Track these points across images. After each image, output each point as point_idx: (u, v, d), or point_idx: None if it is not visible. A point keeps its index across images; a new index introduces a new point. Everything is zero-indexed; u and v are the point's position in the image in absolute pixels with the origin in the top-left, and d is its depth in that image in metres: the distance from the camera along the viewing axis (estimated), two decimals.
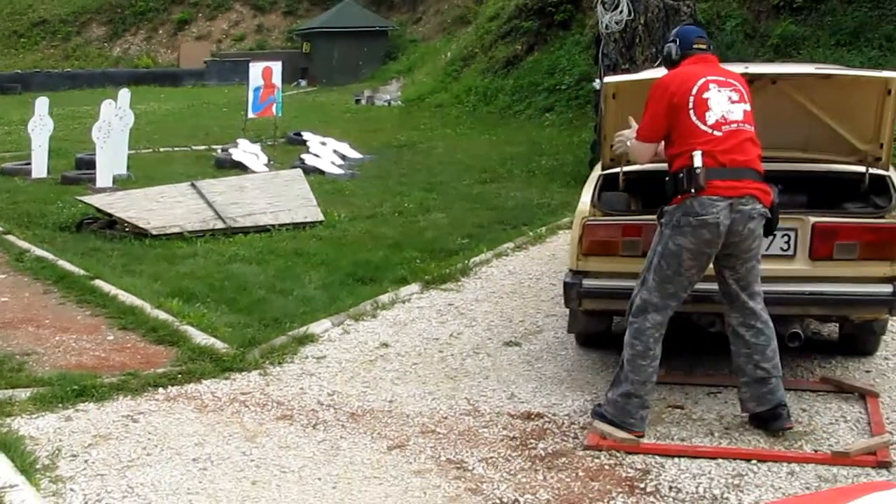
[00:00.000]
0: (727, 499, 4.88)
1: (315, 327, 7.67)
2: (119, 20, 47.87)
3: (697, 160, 5.50)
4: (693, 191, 5.48)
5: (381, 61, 41.88)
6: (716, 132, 5.55)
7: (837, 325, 7.00)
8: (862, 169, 6.53)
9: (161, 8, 47.99)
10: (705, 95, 5.61)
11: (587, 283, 6.38)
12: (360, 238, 11.11)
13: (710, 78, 5.67)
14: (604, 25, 14.76)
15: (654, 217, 5.98)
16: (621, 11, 14.62)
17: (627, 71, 14.62)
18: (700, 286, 5.81)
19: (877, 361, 6.83)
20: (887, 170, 6.54)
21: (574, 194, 13.88)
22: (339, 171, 16.58)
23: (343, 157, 17.91)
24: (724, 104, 5.60)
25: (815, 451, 5.41)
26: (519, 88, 25.80)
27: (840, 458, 5.20)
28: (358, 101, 31.63)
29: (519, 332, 7.73)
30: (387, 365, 7.02)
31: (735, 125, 5.56)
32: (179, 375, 6.62)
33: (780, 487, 4.99)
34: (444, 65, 32.13)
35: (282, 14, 47.63)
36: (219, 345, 7.12)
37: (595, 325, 7.06)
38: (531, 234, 11.33)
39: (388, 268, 9.57)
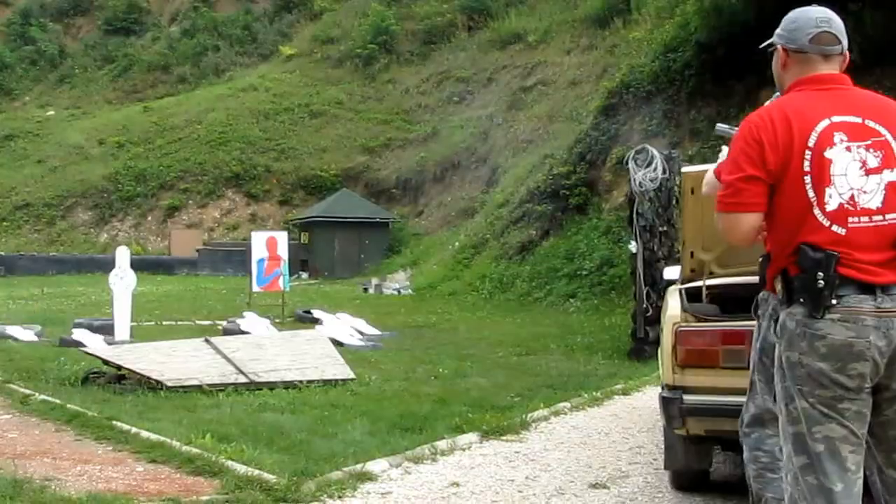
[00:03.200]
0: None
1: (372, 465, 7.13)
2: (106, 205, 48.52)
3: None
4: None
5: (383, 254, 42.16)
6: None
7: None
8: None
9: (149, 194, 48.65)
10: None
11: (689, 398, 5.89)
12: (399, 394, 10.62)
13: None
14: (637, 183, 14.59)
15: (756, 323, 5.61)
16: (655, 169, 14.50)
17: (665, 234, 14.50)
18: None
19: None
20: None
21: (619, 366, 13.78)
22: (360, 342, 16.18)
23: (360, 332, 17.53)
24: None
25: None
26: (537, 275, 25.75)
27: None
28: (366, 290, 31.52)
29: (603, 476, 7.20)
30: (463, 502, 6.48)
31: (879, 217, 4.96)
32: (227, 503, 6.08)
33: None
34: (453, 253, 32.23)
35: (276, 203, 48.28)
36: (267, 475, 6.58)
37: (696, 461, 6.54)
38: (586, 396, 10.88)
39: (438, 419, 9.09)
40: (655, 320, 13.55)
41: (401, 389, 10.99)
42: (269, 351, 11.89)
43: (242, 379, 10.82)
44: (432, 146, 46.69)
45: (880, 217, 3.50)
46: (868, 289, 3.46)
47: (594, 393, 11.04)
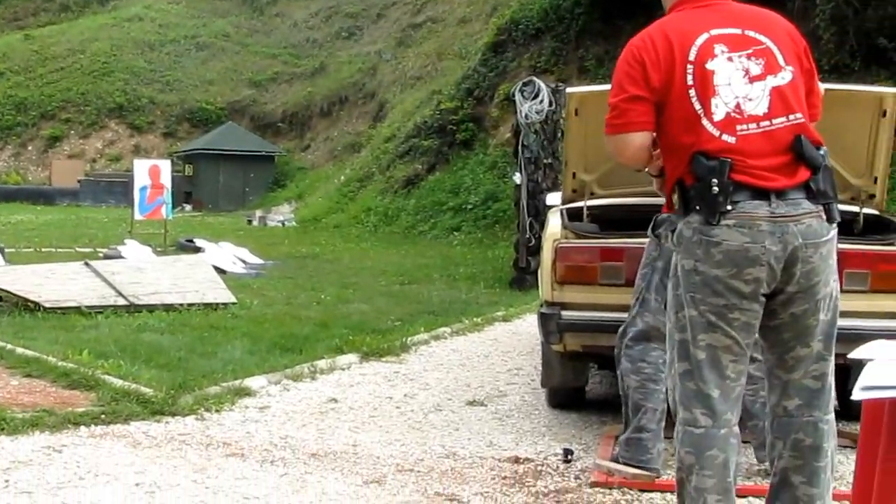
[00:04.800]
0: None
1: (251, 382, 7.09)
2: None
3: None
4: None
5: (268, 188, 41.75)
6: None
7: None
8: (854, 208, 6.08)
9: (30, 123, 47.30)
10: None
11: (567, 314, 5.91)
12: (280, 318, 10.55)
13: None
14: (523, 115, 14.50)
15: (637, 241, 5.68)
16: (541, 101, 14.46)
17: (549, 166, 14.51)
18: None
19: None
20: (882, 209, 6.25)
21: (500, 295, 13.86)
22: (242, 270, 16.01)
23: (243, 261, 17.33)
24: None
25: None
26: (422, 209, 25.76)
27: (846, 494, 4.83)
28: (250, 222, 31.19)
29: (481, 394, 7.26)
30: (341, 416, 6.48)
31: (766, 121, 4.87)
32: (103, 415, 5.98)
33: None
34: (339, 186, 32.05)
35: (160, 135, 47.37)
36: (144, 389, 6.50)
37: (572, 378, 6.63)
38: (467, 321, 10.93)
39: (318, 340, 9.06)
40: (537, 251, 13.61)
41: (282, 313, 10.91)
42: (149, 275, 11.68)
43: (122, 301, 10.62)
44: (320, 81, 46.16)
45: (767, 122, 3.52)
46: (762, 194, 3.48)
47: (475, 319, 11.10)
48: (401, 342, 9.20)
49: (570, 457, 5.53)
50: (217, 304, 11.05)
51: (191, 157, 43.05)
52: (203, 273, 12.08)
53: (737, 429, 3.70)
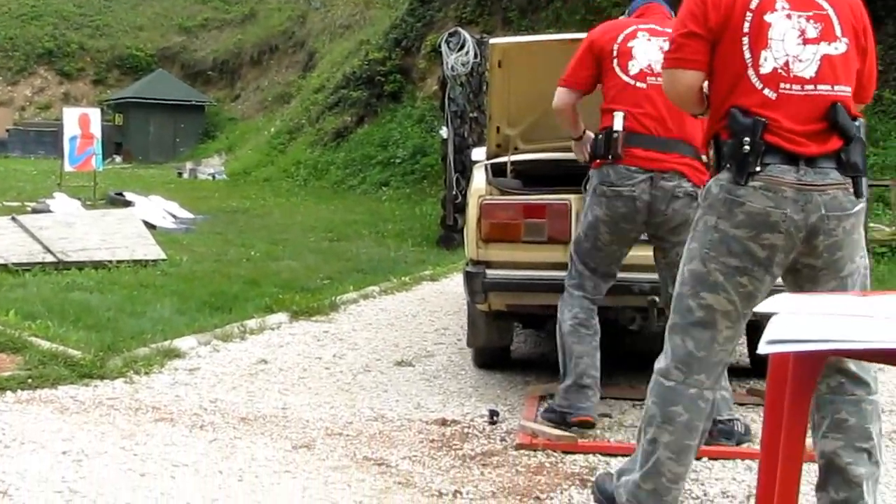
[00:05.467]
0: (690, 490, 4.52)
1: (180, 343, 7.03)
2: None
3: (618, 121, 5.06)
4: (610, 157, 5.08)
5: (198, 139, 41.27)
6: (638, 85, 5.10)
7: (748, 345, 6.76)
8: None
9: None
10: (630, 44, 5.18)
11: (491, 273, 5.89)
12: (210, 275, 10.46)
13: (640, 27, 5.25)
14: (449, 67, 14.38)
15: (560, 197, 5.72)
16: (467, 53, 14.32)
17: (475, 120, 14.42)
18: (618, 275, 5.49)
19: None
20: None
21: (428, 254, 13.87)
22: (172, 225, 15.84)
23: (173, 215, 17.14)
24: (652, 54, 5.10)
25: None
26: (351, 162, 25.67)
27: None
28: (180, 175, 30.87)
29: (409, 354, 7.27)
30: (270, 378, 6.46)
31: (655, 79, 4.99)
32: (30, 379, 5.89)
33: (744, 480, 4.67)
34: (269, 138, 31.77)
35: (90, 82, 46.54)
36: (72, 351, 6.41)
37: (497, 338, 6.66)
38: (395, 280, 10.94)
39: (248, 299, 9.01)
40: (464, 208, 13.63)
41: (212, 270, 10.82)
42: (78, 230, 11.50)
43: (50, 258, 10.46)
44: (249, 28, 45.59)
45: (812, 87, 3.47)
46: (792, 159, 3.43)
47: (403, 278, 11.12)
48: (330, 301, 9.18)
49: (495, 418, 5.57)
50: (147, 260, 10.93)
51: (121, 105, 42.37)
52: (132, 228, 11.93)
53: (708, 394, 3.67)
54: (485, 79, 14.50)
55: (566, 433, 5.15)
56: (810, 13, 3.51)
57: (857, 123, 3.48)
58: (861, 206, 3.51)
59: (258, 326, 7.94)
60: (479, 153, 7.80)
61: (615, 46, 5.16)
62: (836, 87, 3.49)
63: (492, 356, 6.82)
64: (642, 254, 5.48)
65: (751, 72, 3.50)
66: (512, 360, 6.97)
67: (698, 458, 4.94)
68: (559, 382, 5.47)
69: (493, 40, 6.21)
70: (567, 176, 6.40)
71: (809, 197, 3.43)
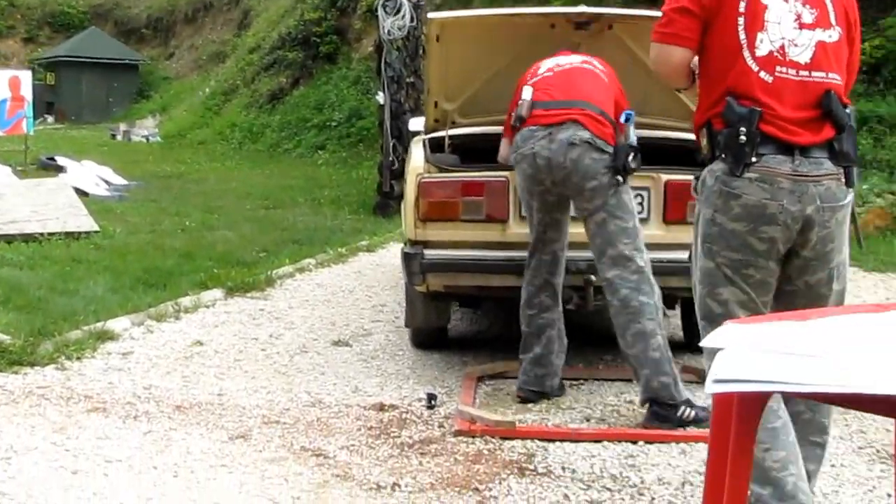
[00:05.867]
0: (628, 477, 4.51)
1: (113, 324, 6.89)
2: None
3: (527, 93, 5.30)
4: (518, 124, 5.26)
5: (132, 98, 40.57)
6: (546, 74, 5.40)
7: (682, 319, 6.79)
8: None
9: None
10: (541, 63, 5.52)
11: (430, 254, 5.83)
12: (144, 248, 10.29)
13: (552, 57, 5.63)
14: (385, 31, 14.17)
15: (498, 174, 5.72)
16: (403, 17, 14.15)
17: (412, 85, 14.25)
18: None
19: None
20: None
21: (364, 222, 13.74)
22: (106, 192, 15.55)
23: (106, 182, 16.83)
24: (559, 59, 5.50)
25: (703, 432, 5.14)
26: (287, 125, 25.40)
27: None
28: (114, 136, 30.37)
29: (346, 333, 7.20)
30: (206, 361, 6.35)
31: (569, 65, 5.43)
32: None
33: (678, 465, 4.67)
34: (203, 99, 31.31)
35: (21, 40, 45.47)
36: (2, 336, 6.26)
37: (435, 318, 6.62)
38: (331, 252, 10.82)
39: (183, 274, 8.88)
40: (401, 174, 13.52)
41: (146, 243, 10.65)
42: (8, 200, 11.26)
43: None
44: None
45: (806, 72, 3.41)
46: (787, 149, 3.38)
47: (339, 249, 11.00)
48: (266, 276, 9.06)
49: (433, 402, 5.53)
50: (79, 232, 10.72)
51: (53, 64, 41.48)
52: (64, 198, 11.71)
53: None
54: (421, 43, 14.36)
55: (504, 420, 5.11)
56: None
57: (848, 111, 3.44)
58: (851, 196, 3.48)
59: (193, 304, 7.81)
60: (416, 123, 7.72)
61: (528, 74, 5.50)
62: (830, 75, 3.44)
63: (429, 336, 6.76)
64: (577, 230, 5.46)
65: (746, 53, 3.44)
66: (449, 339, 6.92)
67: (634, 442, 4.96)
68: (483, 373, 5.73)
69: (431, 14, 6.13)
70: None
71: (805, 188, 3.38)
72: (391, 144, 14.01)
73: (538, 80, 5.38)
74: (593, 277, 5.55)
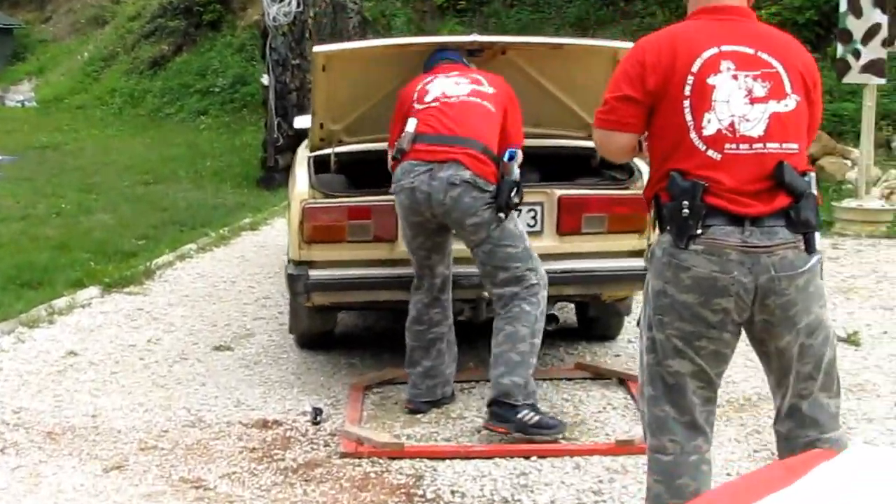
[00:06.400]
0: (519, 500, 4.40)
1: None
2: None
3: (410, 125, 5.19)
4: (399, 156, 5.19)
5: (6, 61, 39.00)
6: (432, 104, 5.24)
7: (576, 308, 6.77)
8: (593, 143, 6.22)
9: None
10: (426, 87, 5.36)
11: (315, 274, 5.68)
12: (15, 239, 9.86)
13: (438, 75, 5.46)
14: (271, 18, 14.10)
15: (386, 197, 5.56)
16: (289, 3, 14.02)
17: (298, 66, 14.13)
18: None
19: (622, 344, 6.65)
20: None
21: (248, 196, 13.43)
22: None
23: None
24: (447, 87, 5.32)
25: (595, 441, 5.05)
26: (169, 90, 24.76)
27: (625, 447, 4.87)
28: None
29: (228, 336, 6.95)
30: (80, 375, 6.06)
31: (455, 98, 5.23)
32: None
33: (572, 483, 4.57)
34: (82, 64, 30.32)
35: None
36: None
37: (321, 325, 6.44)
38: (213, 235, 10.52)
39: (58, 270, 8.52)
40: (286, 148, 13.29)
41: (18, 232, 10.22)
42: None
43: None
44: None
45: (761, 145, 3.28)
46: (736, 220, 3.25)
47: (221, 231, 10.70)
48: (145, 267, 8.75)
49: (318, 417, 5.35)
50: None
51: None
52: None
53: (709, 455, 3.50)
54: (307, 26, 14.14)
55: (391, 441, 4.96)
56: (758, 72, 3.34)
57: (806, 179, 3.32)
58: (814, 260, 3.33)
59: (67, 305, 7.49)
60: (302, 121, 7.52)
61: (415, 93, 5.37)
62: (785, 145, 3.31)
63: (315, 339, 6.57)
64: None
65: (693, 134, 3.32)
66: (336, 337, 6.72)
67: (526, 457, 4.86)
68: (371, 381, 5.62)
69: (316, 48, 5.98)
70: None
71: (756, 259, 3.25)
72: (276, 122, 13.84)
73: (423, 111, 5.23)
74: (485, 293, 5.51)
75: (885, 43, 10.11)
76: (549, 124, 6.36)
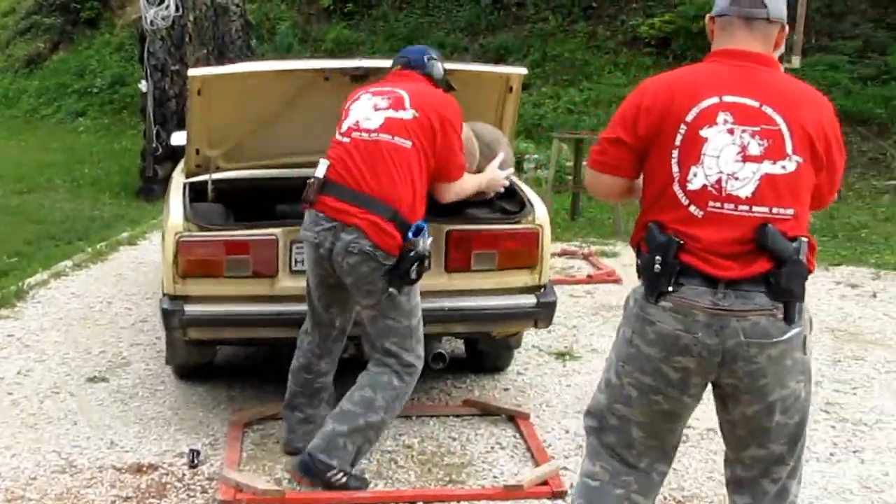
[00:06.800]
0: None
1: None
2: None
3: (321, 169, 4.89)
4: (306, 203, 4.90)
5: None
6: (344, 139, 4.89)
7: (465, 341, 6.64)
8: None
9: None
10: (349, 105, 5.05)
11: (191, 309, 5.41)
12: None
13: (369, 89, 5.06)
14: (148, 21, 13.68)
15: (266, 231, 5.41)
16: (167, 7, 13.64)
17: (177, 72, 13.79)
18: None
19: (511, 377, 6.55)
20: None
21: (127, 207, 13.04)
22: None
23: None
24: (366, 112, 4.91)
25: (483, 486, 4.94)
26: (45, 90, 23.96)
27: (513, 492, 4.77)
28: None
29: (102, 365, 6.69)
30: None
31: (367, 134, 4.83)
32: None
33: None
34: None
35: None
36: None
37: (198, 356, 6.21)
38: (90, 250, 10.17)
39: None
40: (166, 158, 12.96)
41: None
42: None
43: None
44: None
45: (746, 207, 3.13)
46: (711, 282, 3.13)
47: (98, 246, 10.34)
48: (17, 288, 8.41)
49: (196, 460, 5.15)
50: None
51: None
52: None
53: (637, 497, 3.42)
54: (187, 30, 13.80)
55: (271, 488, 4.79)
56: (757, 128, 3.16)
57: (794, 245, 3.14)
58: (794, 332, 3.19)
59: None
60: (179, 138, 7.26)
61: (343, 110, 5.04)
62: (776, 209, 3.15)
63: (193, 370, 6.35)
64: None
65: (676, 187, 3.20)
66: (217, 366, 6.49)
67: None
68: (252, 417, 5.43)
69: (191, 71, 5.70)
70: (273, 193, 6.06)
71: (725, 322, 3.13)
72: (154, 131, 13.46)
73: (335, 147, 4.91)
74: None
75: (781, 59, 10.16)
76: None
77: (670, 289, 3.17)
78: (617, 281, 9.08)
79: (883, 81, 15.91)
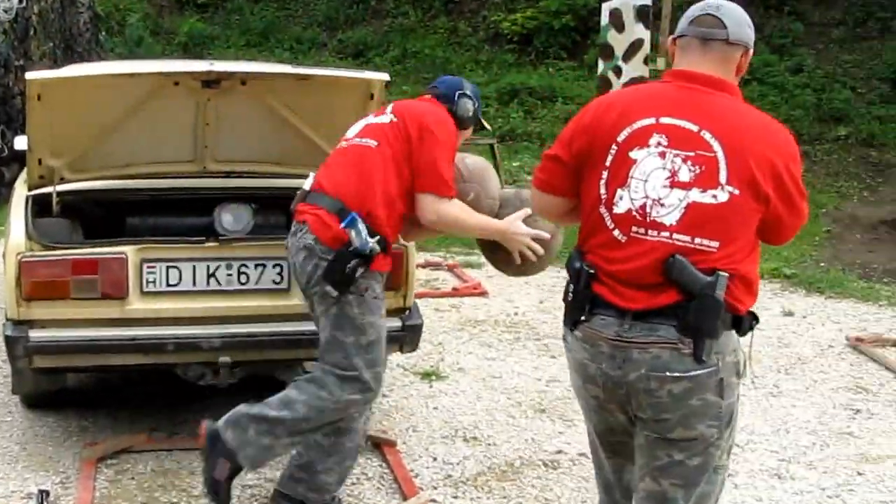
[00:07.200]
0: None
1: None
2: None
3: (307, 182, 4.65)
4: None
5: None
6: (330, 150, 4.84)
7: None
8: None
9: None
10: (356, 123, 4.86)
11: (36, 335, 5.05)
12: None
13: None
14: None
15: (115, 249, 5.10)
16: None
17: (22, 68, 13.19)
18: (184, 331, 5.06)
19: (376, 401, 6.27)
20: None
21: None
22: None
23: None
24: (360, 125, 4.74)
25: None
26: None
27: None
28: None
29: None
30: None
31: (346, 142, 4.64)
32: None
33: None
34: None
35: None
36: None
37: (47, 384, 5.84)
38: None
39: None
40: (11, 159, 12.33)
41: None
42: None
43: None
44: None
45: (668, 234, 2.97)
46: (620, 313, 3.01)
47: None
48: None
49: (45, 502, 4.79)
50: None
51: None
52: None
53: None
54: (31, 23, 13.22)
55: None
56: (691, 153, 2.99)
57: (710, 279, 2.95)
58: (702, 371, 2.99)
59: None
60: (21, 142, 6.82)
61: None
62: (698, 240, 2.97)
63: (42, 398, 5.97)
64: (209, 305, 5.16)
65: (603, 209, 3.07)
66: (69, 391, 6.10)
67: None
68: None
69: (29, 75, 5.29)
70: (124, 204, 5.81)
71: (628, 354, 3.01)
72: (0, 131, 12.83)
73: (326, 160, 4.78)
74: (228, 359, 5.10)
75: (647, 60, 9.94)
76: (294, 163, 5.91)
77: (583, 318, 3.10)
78: (483, 294, 8.67)
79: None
